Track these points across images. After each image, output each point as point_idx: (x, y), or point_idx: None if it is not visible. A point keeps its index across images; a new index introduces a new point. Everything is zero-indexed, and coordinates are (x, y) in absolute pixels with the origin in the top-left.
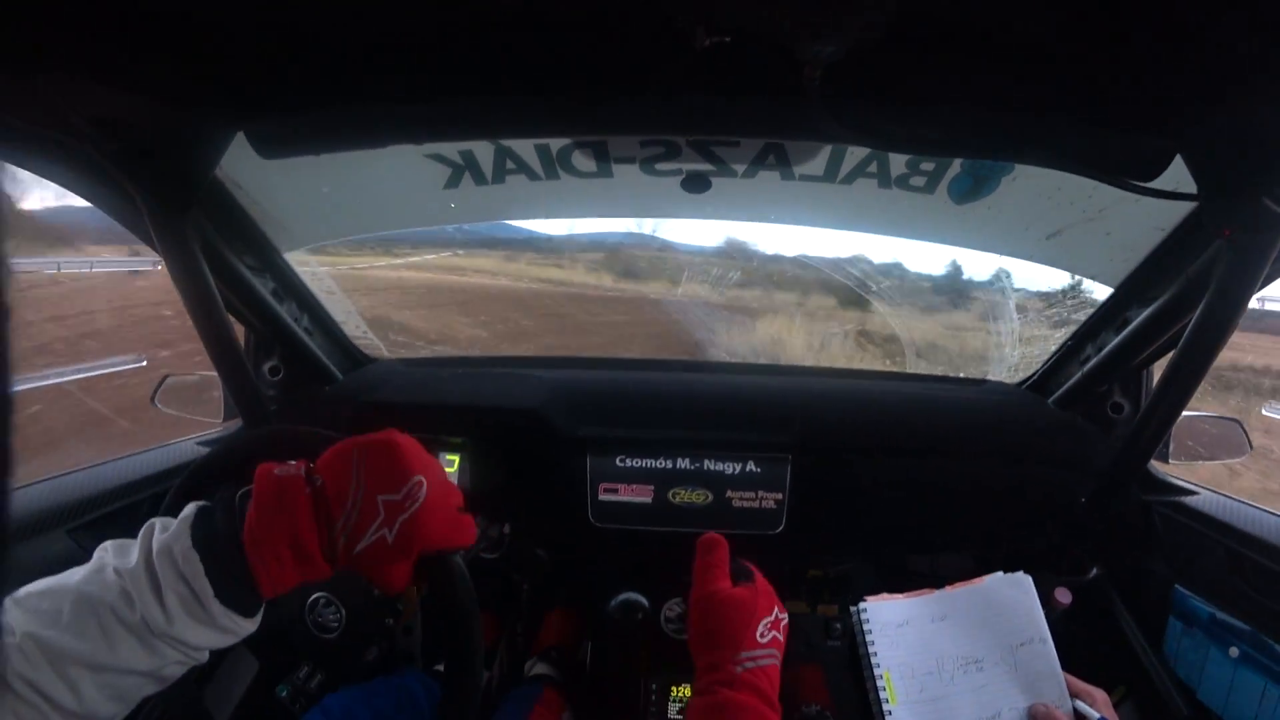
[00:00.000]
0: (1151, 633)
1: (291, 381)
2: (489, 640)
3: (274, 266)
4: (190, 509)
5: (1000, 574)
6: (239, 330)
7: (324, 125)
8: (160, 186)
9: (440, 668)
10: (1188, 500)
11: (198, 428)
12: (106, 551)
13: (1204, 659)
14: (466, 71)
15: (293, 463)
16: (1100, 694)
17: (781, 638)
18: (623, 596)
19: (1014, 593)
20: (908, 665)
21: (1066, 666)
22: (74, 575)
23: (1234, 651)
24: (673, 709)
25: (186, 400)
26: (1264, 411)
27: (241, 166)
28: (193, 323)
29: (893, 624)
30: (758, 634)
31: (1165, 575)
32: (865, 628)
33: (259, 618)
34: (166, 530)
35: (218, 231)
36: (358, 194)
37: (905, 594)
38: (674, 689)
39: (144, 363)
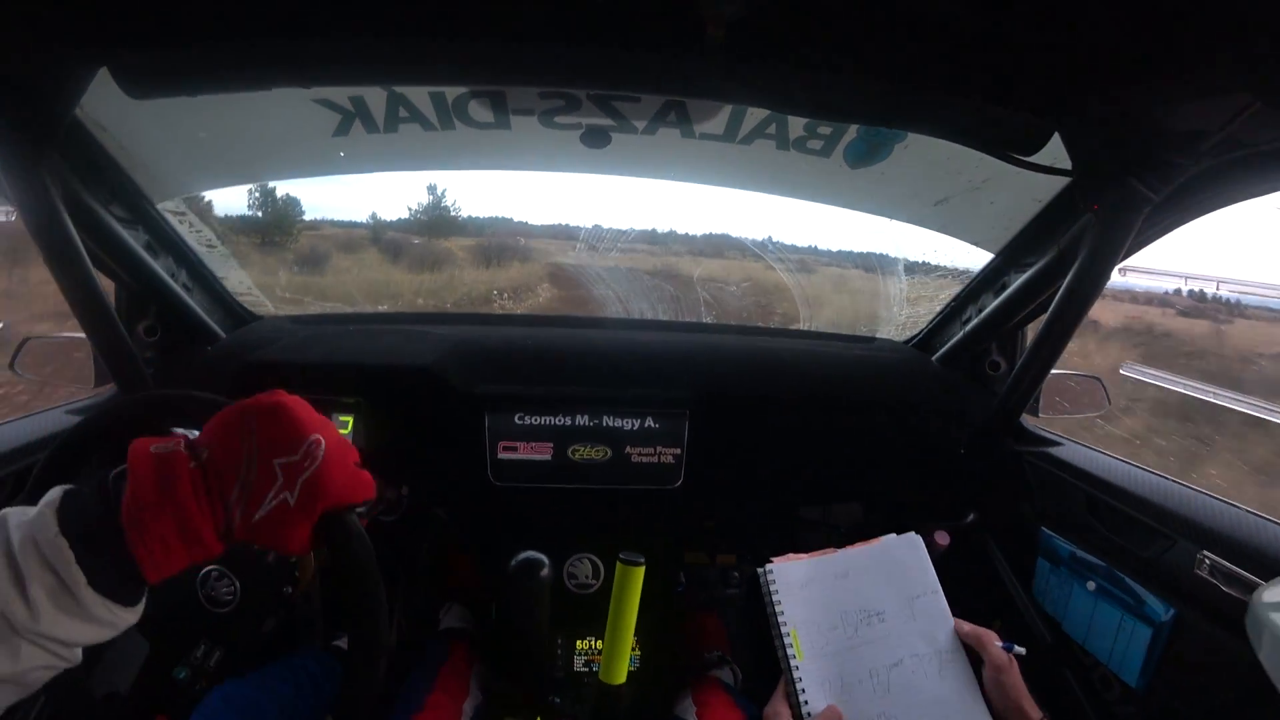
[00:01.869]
0: (1022, 571)
1: (169, 342)
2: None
3: (146, 218)
4: (54, 493)
5: (893, 535)
6: (109, 287)
7: (200, 63)
8: (10, 127)
9: (340, 641)
10: (1053, 450)
11: (66, 395)
12: None
13: (1068, 595)
14: (358, 9)
15: (173, 436)
16: (991, 634)
17: None
18: (523, 555)
19: (908, 551)
20: (813, 622)
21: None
22: None
23: (1091, 585)
24: (578, 662)
25: (52, 365)
26: (1122, 371)
27: (106, 107)
28: (54, 279)
29: (797, 584)
30: None
31: (1033, 518)
32: (772, 589)
33: (140, 607)
34: (26, 517)
35: (80, 179)
36: (238, 140)
37: (809, 554)
38: (579, 643)
39: (2, 325)
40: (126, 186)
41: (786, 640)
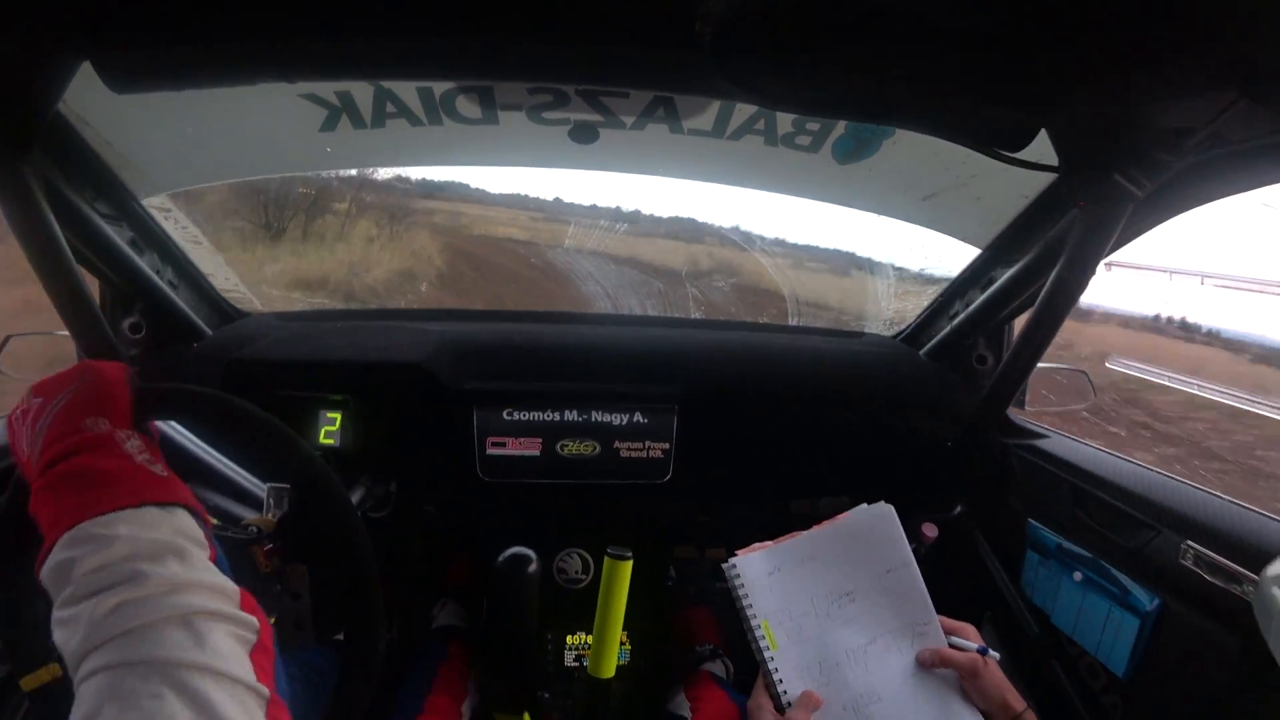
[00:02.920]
0: (1009, 562)
1: (155, 339)
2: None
3: (131, 214)
4: None
5: (862, 506)
6: (93, 284)
7: (185, 57)
8: None
9: (339, 637)
10: (1040, 443)
11: None
12: None
13: (1057, 587)
14: (346, 5)
15: None
16: (970, 628)
17: None
18: (511, 551)
19: (877, 522)
20: (783, 610)
21: (934, 595)
22: None
23: (1078, 576)
24: (569, 657)
25: (35, 363)
26: (1107, 364)
27: (90, 101)
28: (38, 277)
29: (763, 573)
30: None
31: (1020, 510)
32: (737, 583)
33: None
34: None
35: (63, 175)
36: (223, 135)
37: (774, 541)
38: (569, 638)
39: None
40: (111, 182)
41: (758, 633)
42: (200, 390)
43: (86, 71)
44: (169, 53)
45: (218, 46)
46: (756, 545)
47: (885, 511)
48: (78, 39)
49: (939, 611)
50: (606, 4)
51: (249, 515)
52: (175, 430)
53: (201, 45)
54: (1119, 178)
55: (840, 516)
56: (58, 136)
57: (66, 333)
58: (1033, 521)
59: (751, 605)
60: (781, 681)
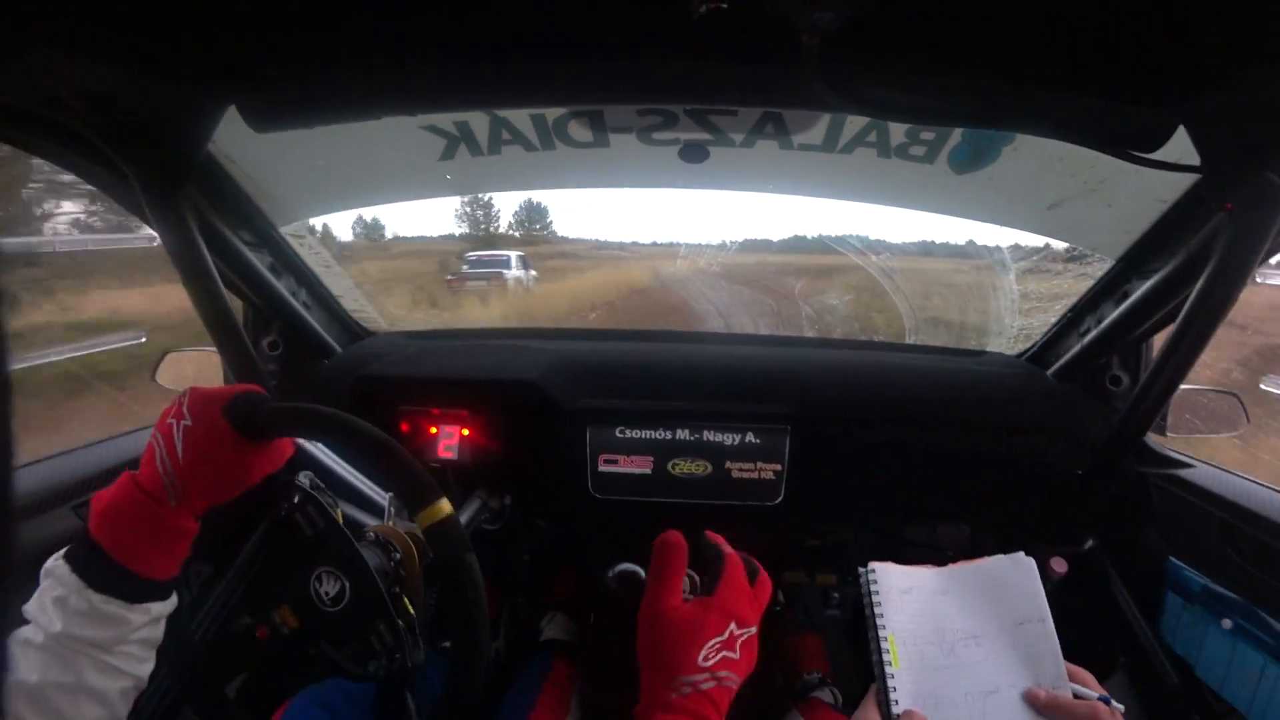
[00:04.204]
0: (1146, 604)
1: (290, 356)
2: (493, 612)
3: (270, 241)
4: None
5: (1002, 555)
6: (237, 305)
7: (316, 97)
8: (153, 162)
9: (447, 644)
10: (1183, 473)
11: None
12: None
13: (1203, 635)
14: (460, 39)
15: None
16: (1087, 675)
17: (739, 656)
18: (620, 567)
19: (1015, 573)
20: (910, 632)
21: (1061, 637)
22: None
23: (1227, 623)
24: None
25: (187, 375)
26: (1263, 386)
27: (235, 140)
28: (190, 299)
29: (898, 588)
30: (699, 658)
31: (1160, 547)
32: (873, 589)
33: (154, 604)
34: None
35: (212, 206)
36: (352, 166)
37: (910, 566)
38: None
39: (143, 339)
40: (253, 212)
41: (884, 645)
42: (323, 410)
43: (232, 114)
44: (301, 94)
45: (344, 85)
46: (892, 564)
47: (1024, 563)
48: (225, 87)
49: (1066, 655)
50: (712, 24)
51: (372, 522)
52: (308, 443)
53: (330, 85)
54: (1270, 175)
55: (977, 560)
56: (208, 172)
57: (214, 349)
58: (1174, 560)
59: (883, 615)
60: (897, 704)
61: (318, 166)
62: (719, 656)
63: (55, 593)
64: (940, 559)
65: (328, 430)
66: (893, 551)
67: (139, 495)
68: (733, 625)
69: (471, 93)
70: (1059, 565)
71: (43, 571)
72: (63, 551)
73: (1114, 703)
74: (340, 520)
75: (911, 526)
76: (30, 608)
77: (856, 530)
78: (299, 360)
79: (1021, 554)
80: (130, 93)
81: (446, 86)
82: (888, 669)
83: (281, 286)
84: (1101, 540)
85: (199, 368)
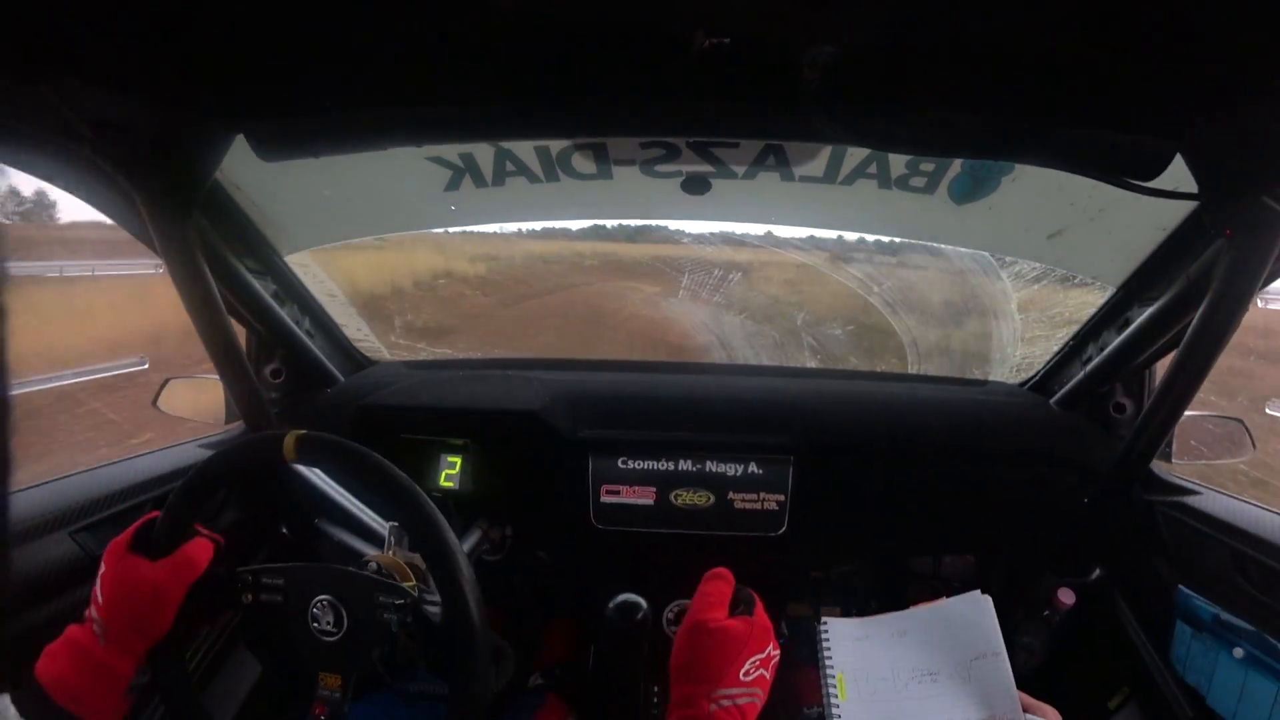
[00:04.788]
0: (1155, 634)
1: (293, 384)
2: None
3: (275, 269)
4: None
5: (960, 596)
6: (240, 333)
7: (324, 127)
8: (161, 189)
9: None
10: (1190, 500)
11: (201, 430)
12: None
13: (1213, 664)
14: (466, 74)
15: None
16: (1052, 711)
17: (769, 676)
18: (621, 598)
19: (972, 611)
20: (861, 670)
21: (1070, 669)
22: None
23: (1238, 652)
24: None
25: (189, 403)
26: (1269, 410)
27: (242, 168)
28: (194, 325)
29: (850, 637)
30: (741, 671)
31: (1168, 576)
32: (824, 640)
33: None
34: None
35: (219, 234)
36: (358, 196)
37: (868, 617)
38: None
39: (145, 365)
40: (258, 240)
41: (831, 681)
42: (347, 444)
43: (240, 143)
44: (309, 124)
45: (352, 117)
46: (850, 619)
47: (980, 601)
48: (234, 116)
49: (1074, 686)
50: (713, 58)
51: (371, 551)
52: (306, 470)
53: (338, 117)
54: (1268, 200)
55: (937, 601)
56: (214, 200)
57: (216, 376)
58: (1184, 589)
59: (832, 659)
60: None
61: (323, 196)
62: (757, 673)
63: None
64: (945, 589)
65: (350, 464)
66: (897, 583)
67: (75, 639)
68: (770, 645)
69: (477, 125)
70: (1066, 596)
71: None
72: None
73: None
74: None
75: (917, 558)
76: None
77: (861, 562)
78: (301, 388)
79: (976, 592)
80: (141, 120)
81: (453, 119)
82: (834, 701)
83: (285, 315)
84: (1109, 570)
85: (200, 395)
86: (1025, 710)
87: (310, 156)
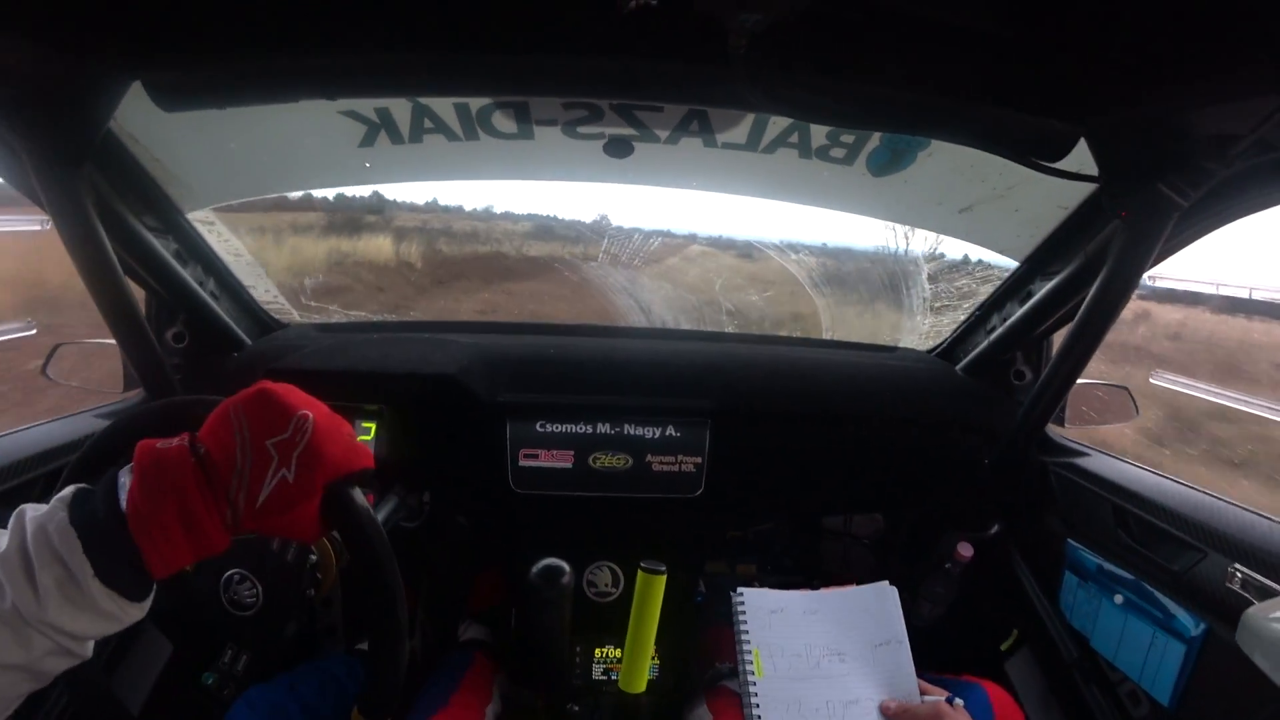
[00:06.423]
0: (1046, 584)
1: (197, 349)
2: (409, 607)
3: (176, 227)
4: (68, 490)
5: (869, 585)
6: (138, 295)
7: (229, 76)
8: (48, 139)
9: (364, 645)
10: (1080, 461)
11: (95, 399)
12: None
13: (1097, 610)
14: (383, 23)
15: (174, 438)
16: (942, 693)
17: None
18: (544, 563)
19: (878, 600)
20: (777, 645)
21: (968, 616)
22: None
23: (1119, 599)
24: (596, 670)
25: (82, 370)
26: (1151, 380)
27: (139, 119)
28: (86, 287)
29: (766, 609)
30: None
31: (1059, 530)
32: (740, 611)
33: (148, 602)
34: (40, 511)
35: (113, 189)
36: (266, 151)
37: (784, 591)
38: (598, 650)
39: (34, 330)
40: (158, 197)
41: (747, 658)
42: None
43: (136, 90)
44: (215, 72)
45: (260, 65)
46: (767, 589)
47: (887, 591)
48: (129, 60)
49: (971, 631)
50: (640, 20)
51: None
52: None
53: (245, 64)
54: (1162, 187)
55: (846, 587)
56: (108, 153)
57: (112, 341)
58: (1072, 542)
59: (749, 633)
60: (758, 708)
61: (229, 149)
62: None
63: (54, 572)
64: (855, 546)
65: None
66: (810, 541)
67: (200, 479)
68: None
69: (393, 79)
70: (965, 549)
71: (35, 526)
72: (68, 511)
73: (957, 700)
74: None
75: (828, 516)
76: None
77: (776, 522)
78: (206, 353)
79: (885, 583)
80: (24, 61)
81: (368, 71)
82: (751, 678)
83: (188, 275)
84: (1006, 525)
85: (95, 362)
86: (921, 694)
87: (214, 107)
